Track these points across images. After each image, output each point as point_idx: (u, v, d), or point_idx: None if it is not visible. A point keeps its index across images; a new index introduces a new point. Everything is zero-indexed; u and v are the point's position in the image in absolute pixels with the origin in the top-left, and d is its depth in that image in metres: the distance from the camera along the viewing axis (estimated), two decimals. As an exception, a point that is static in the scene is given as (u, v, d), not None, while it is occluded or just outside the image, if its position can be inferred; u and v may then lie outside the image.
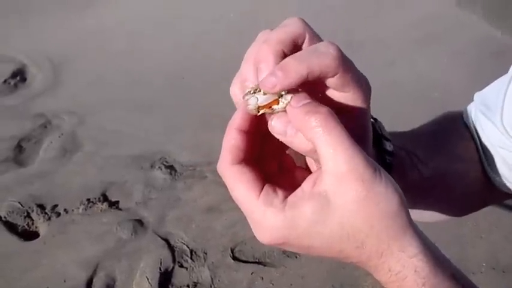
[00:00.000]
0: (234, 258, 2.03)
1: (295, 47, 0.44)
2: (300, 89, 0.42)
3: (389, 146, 0.54)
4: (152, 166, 2.46)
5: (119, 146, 2.60)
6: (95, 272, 2.00)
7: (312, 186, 0.39)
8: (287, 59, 0.41)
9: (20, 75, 3.15)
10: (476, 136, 0.62)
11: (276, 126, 0.41)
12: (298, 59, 0.41)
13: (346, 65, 0.42)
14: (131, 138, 2.64)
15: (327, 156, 0.38)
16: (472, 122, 0.63)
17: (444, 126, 0.65)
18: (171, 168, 2.44)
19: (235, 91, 0.46)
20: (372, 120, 0.54)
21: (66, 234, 2.16)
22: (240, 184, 0.41)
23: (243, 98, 0.42)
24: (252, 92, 0.42)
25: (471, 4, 3.21)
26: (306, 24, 0.44)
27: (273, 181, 0.42)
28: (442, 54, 2.97)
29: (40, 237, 2.16)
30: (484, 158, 0.61)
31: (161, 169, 2.44)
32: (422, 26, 3.19)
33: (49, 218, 2.22)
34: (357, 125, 0.45)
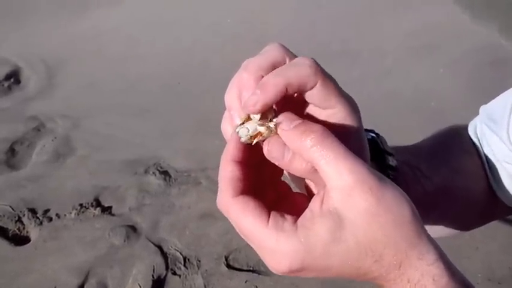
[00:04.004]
0: (228, 266, 2.01)
1: None
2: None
3: (392, 161, 0.53)
4: (146, 171, 2.44)
5: (113, 150, 2.57)
6: (86, 279, 1.97)
7: (320, 205, 0.38)
8: (265, 76, 0.42)
9: (14, 78, 3.13)
10: (481, 150, 0.61)
11: (272, 151, 0.41)
12: (274, 74, 0.41)
13: (324, 74, 0.42)
14: (125, 143, 2.61)
15: (330, 173, 0.37)
16: (477, 136, 0.62)
17: (448, 140, 0.64)
18: (165, 173, 2.42)
19: (227, 128, 0.46)
20: (373, 135, 0.53)
21: (58, 239, 2.13)
22: (246, 215, 0.39)
23: (235, 131, 0.42)
24: (241, 123, 0.42)
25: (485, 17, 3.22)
26: (286, 49, 0.44)
27: (275, 208, 0.41)
28: (439, 64, 2.97)
29: (31, 242, 2.13)
30: (489, 172, 0.60)
31: (155, 174, 2.42)
32: (419, 36, 3.20)
33: (41, 223, 2.19)
34: (350, 145, 0.44)
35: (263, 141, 0.42)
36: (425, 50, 3.08)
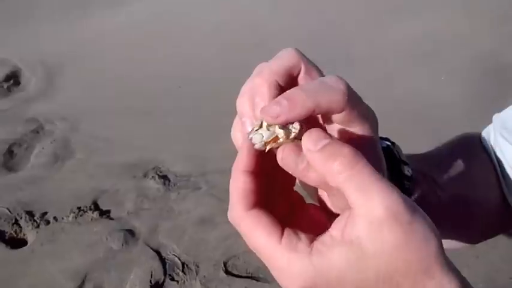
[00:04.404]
0: (227, 272, 1.99)
1: (291, 79, 0.42)
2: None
3: (408, 171, 0.52)
4: (145, 175, 2.42)
5: (112, 153, 2.56)
6: (83, 283, 1.95)
7: (342, 232, 0.36)
8: (294, 89, 0.39)
9: (13, 79, 3.11)
10: (495, 160, 0.60)
11: (286, 160, 0.38)
12: (306, 92, 0.38)
13: (353, 101, 0.40)
14: (125, 146, 2.59)
15: (359, 201, 0.35)
16: (491, 145, 0.61)
17: (462, 149, 0.63)
18: (164, 178, 2.41)
19: (237, 135, 0.45)
20: (388, 143, 0.52)
21: (55, 242, 2.11)
22: (258, 231, 0.37)
23: (248, 137, 0.40)
24: (255, 129, 0.40)
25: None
26: (301, 54, 0.43)
27: (289, 223, 0.39)
28: (440, 71, 2.97)
29: (28, 245, 2.11)
30: (503, 181, 0.59)
31: (154, 179, 2.40)
32: (421, 42, 3.20)
33: (38, 226, 2.17)
34: (366, 156, 0.43)
35: (277, 148, 0.40)
36: (426, 57, 3.08)
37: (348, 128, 0.41)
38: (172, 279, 1.97)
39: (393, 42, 3.25)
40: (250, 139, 0.39)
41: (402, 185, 0.51)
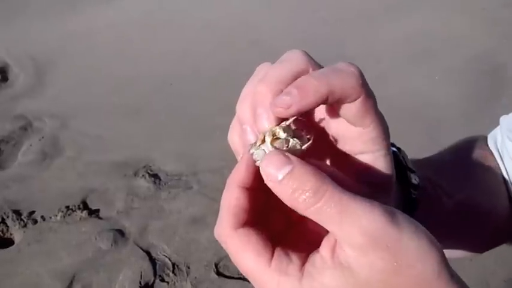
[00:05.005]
0: (218, 273, 1.96)
1: None
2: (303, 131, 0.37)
3: (415, 179, 0.48)
4: (136, 174, 2.39)
5: (102, 151, 2.52)
6: (71, 284, 1.92)
7: (332, 255, 0.33)
8: (303, 77, 0.36)
9: (1, 75, 3.07)
10: (502, 164, 0.57)
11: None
12: (318, 78, 0.35)
13: (368, 88, 0.37)
14: (115, 144, 2.56)
15: (336, 232, 0.32)
16: (498, 148, 0.58)
17: (468, 154, 0.60)
18: (155, 176, 2.37)
19: (234, 138, 0.41)
20: (394, 149, 0.49)
21: (43, 242, 2.07)
22: (247, 252, 0.34)
23: (248, 151, 0.36)
24: (258, 144, 0.36)
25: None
26: (310, 58, 0.39)
27: (282, 240, 0.36)
28: (435, 71, 2.95)
29: (15, 244, 2.08)
30: (510, 186, 0.56)
31: (145, 177, 2.37)
32: (415, 42, 3.18)
33: (25, 225, 2.13)
34: (379, 167, 0.40)
35: None
36: (421, 57, 3.06)
37: (360, 128, 0.38)
38: (163, 280, 1.94)
39: (387, 41, 3.24)
40: (252, 154, 0.36)
41: (408, 194, 0.48)
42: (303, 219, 0.39)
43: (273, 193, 0.35)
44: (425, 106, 2.70)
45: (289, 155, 0.34)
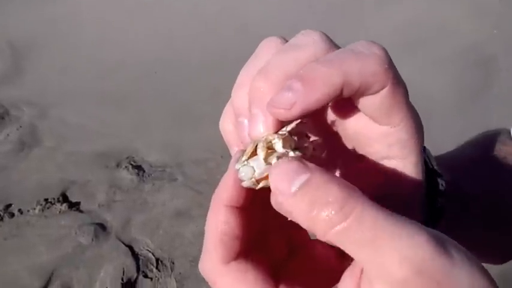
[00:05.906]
0: (204, 269, 1.91)
1: None
2: (309, 140, 0.28)
3: (442, 185, 0.39)
4: (118, 165, 2.33)
5: (83, 142, 2.45)
6: (49, 280, 1.86)
7: None
8: (309, 64, 0.27)
9: (-24, 60, 2.97)
10: None
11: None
12: (328, 64, 0.27)
13: (396, 76, 0.28)
14: (96, 134, 2.49)
15: (367, 261, 0.23)
16: None
17: (491, 151, 0.53)
18: (138, 168, 2.31)
19: (227, 127, 0.32)
20: None
21: (20, 237, 2.00)
22: None
23: (234, 168, 0.28)
24: (245, 158, 0.28)
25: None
26: (331, 44, 0.29)
27: (284, 269, 0.28)
28: (426, 61, 2.92)
29: (-10, 239, 2.01)
30: None
31: (128, 169, 2.30)
32: (406, 32, 3.14)
33: (1, 219, 2.07)
34: (407, 177, 0.32)
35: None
36: (412, 47, 3.02)
37: (386, 127, 0.30)
38: (146, 276, 1.89)
39: (378, 30, 3.19)
40: (237, 171, 0.28)
41: (434, 202, 0.39)
42: (310, 243, 0.32)
43: (270, 212, 0.28)
44: (417, 97, 2.65)
45: (305, 161, 0.25)
